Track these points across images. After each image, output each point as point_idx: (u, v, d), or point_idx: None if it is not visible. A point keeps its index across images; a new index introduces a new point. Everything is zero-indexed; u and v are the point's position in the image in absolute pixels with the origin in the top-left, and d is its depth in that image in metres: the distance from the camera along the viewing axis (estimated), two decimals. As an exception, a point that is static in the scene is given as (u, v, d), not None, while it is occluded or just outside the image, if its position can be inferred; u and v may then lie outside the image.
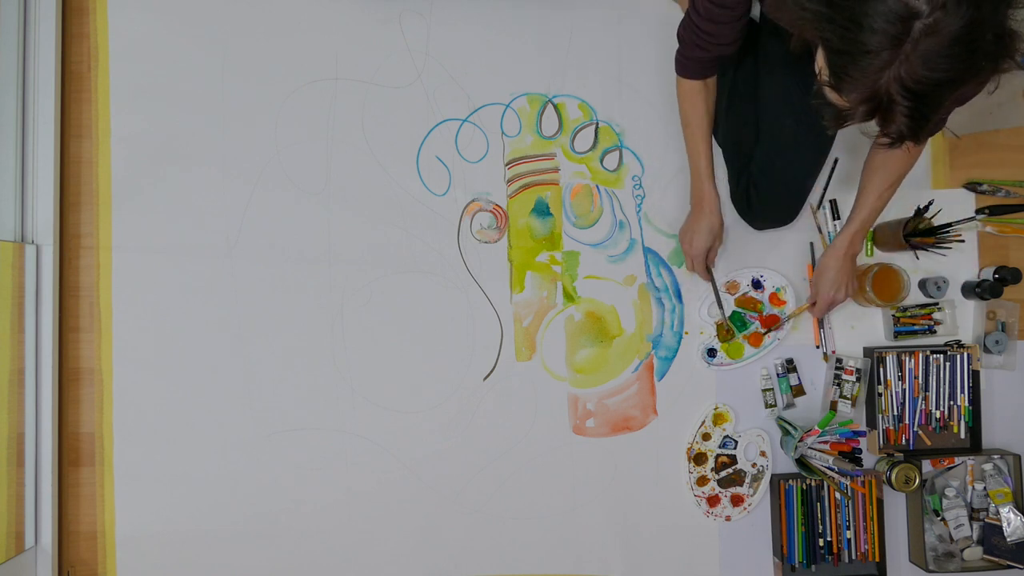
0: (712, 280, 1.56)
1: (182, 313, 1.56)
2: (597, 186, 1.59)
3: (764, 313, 1.57)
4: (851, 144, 1.58)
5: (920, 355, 1.56)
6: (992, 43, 0.83)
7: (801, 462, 1.54)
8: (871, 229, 1.55)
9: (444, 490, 1.58)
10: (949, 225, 1.51)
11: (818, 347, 1.59)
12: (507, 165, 1.59)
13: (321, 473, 1.57)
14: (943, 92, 0.85)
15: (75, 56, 1.57)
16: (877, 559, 1.53)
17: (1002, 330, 1.56)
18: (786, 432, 1.54)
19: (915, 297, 1.58)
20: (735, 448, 1.57)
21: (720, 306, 1.57)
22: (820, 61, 0.91)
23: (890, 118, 0.87)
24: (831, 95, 0.91)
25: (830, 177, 1.57)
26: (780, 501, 1.54)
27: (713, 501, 1.57)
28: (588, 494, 1.59)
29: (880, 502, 1.54)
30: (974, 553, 1.52)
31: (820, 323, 1.58)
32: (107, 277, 1.56)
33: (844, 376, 1.55)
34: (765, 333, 1.56)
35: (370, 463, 1.57)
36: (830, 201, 1.58)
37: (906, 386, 1.56)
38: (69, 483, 1.56)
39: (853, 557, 1.53)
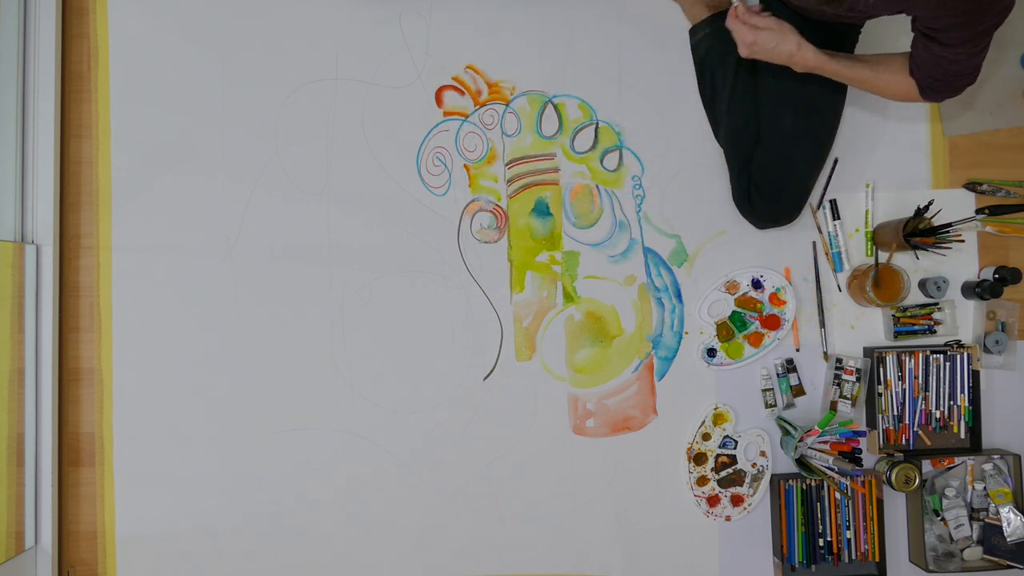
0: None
1: (182, 313, 1.56)
2: (597, 186, 1.59)
3: (764, 313, 1.57)
4: (852, 144, 1.58)
5: (920, 355, 1.56)
6: None
7: (801, 462, 1.54)
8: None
9: (444, 490, 1.58)
10: (949, 225, 1.50)
11: (818, 347, 1.59)
12: (507, 165, 1.59)
13: (321, 473, 1.57)
14: None
15: (75, 56, 1.57)
16: (877, 559, 1.53)
17: (1002, 330, 1.56)
18: (786, 432, 1.54)
19: (915, 297, 1.58)
20: (735, 448, 1.57)
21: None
22: None
23: None
24: None
25: (830, 177, 1.57)
26: (780, 501, 1.54)
27: (713, 501, 1.57)
28: (588, 494, 1.59)
29: (880, 502, 1.54)
30: (974, 553, 1.52)
31: (822, 322, 1.58)
32: (107, 277, 1.56)
33: (844, 376, 1.55)
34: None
35: (370, 463, 1.57)
36: (830, 201, 1.58)
37: (906, 386, 1.56)
38: (69, 483, 1.56)
39: (853, 557, 1.53)
